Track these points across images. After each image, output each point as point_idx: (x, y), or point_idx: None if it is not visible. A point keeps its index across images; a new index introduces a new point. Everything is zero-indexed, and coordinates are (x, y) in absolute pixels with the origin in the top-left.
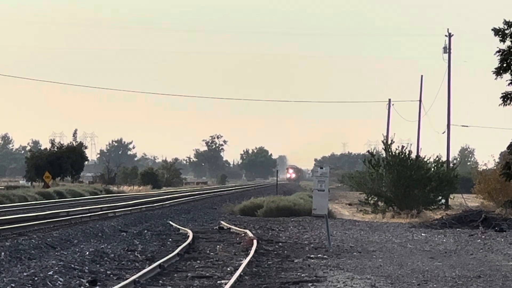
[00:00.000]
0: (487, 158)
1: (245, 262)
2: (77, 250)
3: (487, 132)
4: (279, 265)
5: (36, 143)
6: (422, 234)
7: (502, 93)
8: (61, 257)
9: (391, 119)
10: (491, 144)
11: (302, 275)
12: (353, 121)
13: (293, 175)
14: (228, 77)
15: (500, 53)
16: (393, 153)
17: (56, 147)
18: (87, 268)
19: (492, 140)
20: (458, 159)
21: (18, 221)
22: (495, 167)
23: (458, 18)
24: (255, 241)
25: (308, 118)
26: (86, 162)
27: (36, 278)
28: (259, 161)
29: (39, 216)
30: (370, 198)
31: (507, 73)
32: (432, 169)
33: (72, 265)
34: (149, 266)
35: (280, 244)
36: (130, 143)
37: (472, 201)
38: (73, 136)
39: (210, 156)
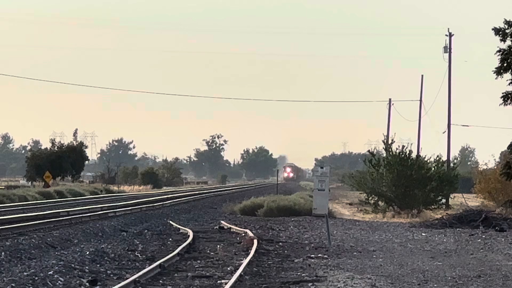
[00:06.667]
0: (487, 157)
1: (245, 261)
2: (77, 249)
3: (487, 132)
4: (279, 264)
5: (36, 142)
6: (423, 234)
7: (502, 93)
8: (61, 257)
9: (391, 118)
10: (491, 144)
11: (303, 274)
12: (353, 121)
13: (291, 174)
14: (228, 77)
15: (501, 52)
16: (394, 153)
17: (56, 147)
18: (87, 267)
19: (493, 139)
20: (459, 158)
21: (18, 221)
22: (495, 167)
23: (459, 18)
24: (255, 241)
25: (308, 118)
26: (86, 162)
27: (36, 278)
28: (259, 161)
29: (39, 216)
30: (370, 198)
31: (508, 73)
32: (433, 168)
33: (72, 265)
34: (149, 266)
35: (280, 243)
36: (131, 142)
37: (472, 200)
38: (74, 135)
39: (211, 155)
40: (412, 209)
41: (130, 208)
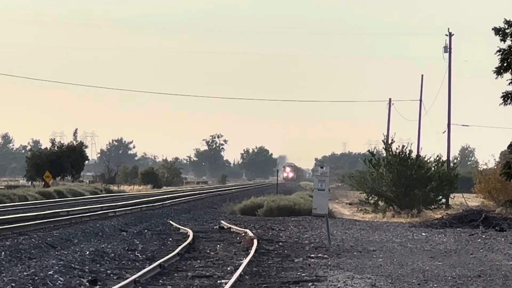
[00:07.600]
0: (487, 157)
1: (245, 261)
2: (77, 249)
3: (487, 132)
4: (279, 264)
5: (36, 142)
6: (423, 234)
7: (502, 93)
8: (61, 257)
9: (391, 118)
10: (491, 144)
11: (303, 274)
12: (353, 121)
13: (291, 174)
14: (228, 77)
15: (501, 52)
16: (394, 153)
17: (56, 147)
18: (87, 267)
19: (493, 139)
20: (459, 158)
21: (18, 221)
22: (495, 167)
23: (459, 18)
24: (255, 241)
25: (308, 118)
26: (86, 162)
27: (36, 278)
28: (259, 161)
29: (39, 216)
30: (370, 198)
31: (508, 73)
32: (433, 168)
33: (72, 265)
34: (149, 265)
35: (280, 243)
36: (131, 142)
37: (472, 200)
38: (74, 135)
39: (211, 155)
40: (412, 209)
41: (130, 208)
